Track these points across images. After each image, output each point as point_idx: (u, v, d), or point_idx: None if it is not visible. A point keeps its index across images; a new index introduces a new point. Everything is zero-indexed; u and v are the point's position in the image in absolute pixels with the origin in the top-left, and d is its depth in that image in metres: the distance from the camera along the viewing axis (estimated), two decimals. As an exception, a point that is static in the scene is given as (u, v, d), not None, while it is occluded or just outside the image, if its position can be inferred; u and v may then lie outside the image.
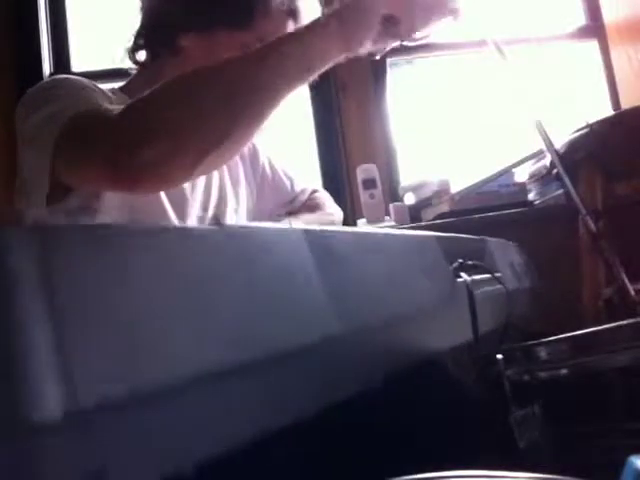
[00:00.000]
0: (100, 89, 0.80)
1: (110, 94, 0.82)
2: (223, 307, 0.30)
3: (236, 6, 0.82)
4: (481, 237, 0.74)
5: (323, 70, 0.65)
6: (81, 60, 1.98)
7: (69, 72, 1.95)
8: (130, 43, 0.88)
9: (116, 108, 0.63)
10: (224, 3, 0.82)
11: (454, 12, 0.71)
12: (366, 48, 0.68)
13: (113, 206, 0.76)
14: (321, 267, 0.39)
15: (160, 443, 0.25)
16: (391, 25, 0.68)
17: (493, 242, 0.78)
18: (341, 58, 0.66)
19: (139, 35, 0.88)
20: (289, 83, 0.62)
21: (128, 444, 0.23)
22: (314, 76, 0.64)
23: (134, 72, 0.92)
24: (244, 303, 0.32)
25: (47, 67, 1.89)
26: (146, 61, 0.89)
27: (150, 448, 0.24)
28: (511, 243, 0.92)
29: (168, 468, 0.25)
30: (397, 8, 0.67)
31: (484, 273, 0.65)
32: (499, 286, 0.67)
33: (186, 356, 0.27)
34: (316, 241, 0.40)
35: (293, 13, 0.84)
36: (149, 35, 0.87)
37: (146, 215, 0.77)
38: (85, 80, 0.79)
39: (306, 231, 0.40)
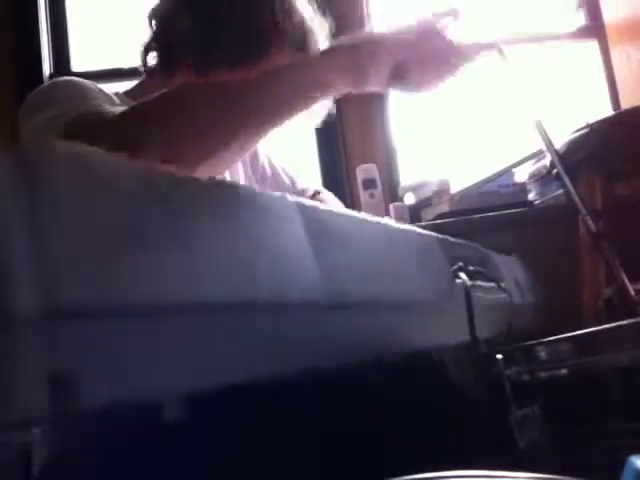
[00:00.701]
0: (102, 90, 0.80)
1: (112, 95, 0.82)
2: (209, 248, 0.30)
3: (242, 49, 0.79)
4: (486, 250, 0.75)
5: (327, 99, 0.65)
6: (81, 60, 1.98)
7: (69, 72, 1.95)
8: (141, 50, 0.88)
9: (117, 110, 0.63)
10: (229, 44, 0.79)
11: (461, 70, 0.70)
12: (372, 89, 0.67)
13: None
14: (316, 241, 0.38)
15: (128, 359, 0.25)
16: (401, 74, 0.66)
17: (497, 255, 0.78)
18: (345, 91, 0.66)
19: (147, 46, 0.88)
20: (285, 110, 0.63)
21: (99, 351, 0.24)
22: (314, 104, 0.65)
23: (141, 75, 0.92)
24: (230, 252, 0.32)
25: (47, 67, 1.89)
26: (154, 70, 0.89)
27: (122, 361, 0.25)
28: (515, 259, 0.92)
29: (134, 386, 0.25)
30: (410, 59, 0.66)
31: (485, 280, 0.65)
32: (502, 294, 0.68)
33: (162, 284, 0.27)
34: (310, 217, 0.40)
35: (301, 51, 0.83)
36: (155, 51, 0.87)
37: None
38: (87, 82, 0.79)
39: (302, 206, 0.40)
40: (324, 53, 0.67)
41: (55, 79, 0.82)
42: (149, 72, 0.89)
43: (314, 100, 0.64)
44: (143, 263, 0.26)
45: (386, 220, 0.52)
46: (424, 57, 0.67)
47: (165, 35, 0.85)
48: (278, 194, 0.37)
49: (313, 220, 0.39)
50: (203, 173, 0.63)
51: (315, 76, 0.63)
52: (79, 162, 0.25)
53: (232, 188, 0.34)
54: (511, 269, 0.84)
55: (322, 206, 0.42)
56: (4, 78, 1.76)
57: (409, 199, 1.72)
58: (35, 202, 0.23)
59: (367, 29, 0.67)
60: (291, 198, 0.38)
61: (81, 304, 0.23)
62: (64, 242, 0.23)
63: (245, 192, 0.35)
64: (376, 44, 0.65)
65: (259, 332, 0.32)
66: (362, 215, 0.47)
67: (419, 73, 0.67)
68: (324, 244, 0.39)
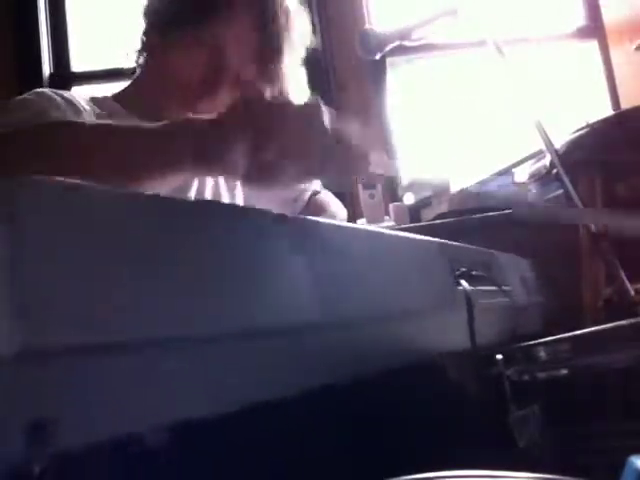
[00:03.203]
0: (73, 104, 0.81)
1: (84, 107, 0.83)
2: (192, 273, 0.29)
3: (192, 4, 0.84)
4: (489, 250, 0.74)
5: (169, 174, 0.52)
6: (81, 60, 1.98)
7: (69, 72, 1.95)
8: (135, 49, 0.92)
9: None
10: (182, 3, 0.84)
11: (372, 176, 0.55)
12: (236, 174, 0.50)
13: None
14: (315, 260, 0.38)
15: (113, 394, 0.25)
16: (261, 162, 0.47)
17: (502, 256, 0.77)
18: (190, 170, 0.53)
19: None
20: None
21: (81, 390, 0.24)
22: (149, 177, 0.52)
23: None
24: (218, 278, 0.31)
25: (47, 67, 1.90)
26: (136, 68, 0.93)
27: (103, 399, 0.25)
28: (521, 258, 0.91)
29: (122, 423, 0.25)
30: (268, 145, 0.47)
31: (489, 284, 0.65)
32: (505, 299, 0.67)
33: (149, 319, 0.26)
34: (311, 234, 0.40)
35: (260, 22, 0.85)
36: (143, 39, 0.91)
37: None
38: (56, 98, 0.80)
39: (302, 223, 0.40)
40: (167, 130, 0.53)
41: (35, 90, 0.84)
42: (140, 66, 0.92)
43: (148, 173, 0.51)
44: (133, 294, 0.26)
45: (386, 230, 0.52)
46: (287, 145, 0.48)
47: (150, 21, 0.89)
48: (269, 212, 0.37)
49: (307, 236, 0.38)
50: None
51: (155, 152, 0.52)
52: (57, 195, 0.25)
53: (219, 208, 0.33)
54: (517, 269, 0.83)
55: (317, 219, 0.42)
56: (4, 78, 1.76)
57: (409, 199, 1.72)
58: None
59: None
60: (281, 215, 0.37)
61: (60, 344, 0.23)
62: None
63: (234, 211, 0.34)
64: (230, 127, 0.49)
65: (257, 359, 0.32)
66: (362, 226, 0.47)
67: (279, 162, 0.48)
68: (320, 260, 0.38)
